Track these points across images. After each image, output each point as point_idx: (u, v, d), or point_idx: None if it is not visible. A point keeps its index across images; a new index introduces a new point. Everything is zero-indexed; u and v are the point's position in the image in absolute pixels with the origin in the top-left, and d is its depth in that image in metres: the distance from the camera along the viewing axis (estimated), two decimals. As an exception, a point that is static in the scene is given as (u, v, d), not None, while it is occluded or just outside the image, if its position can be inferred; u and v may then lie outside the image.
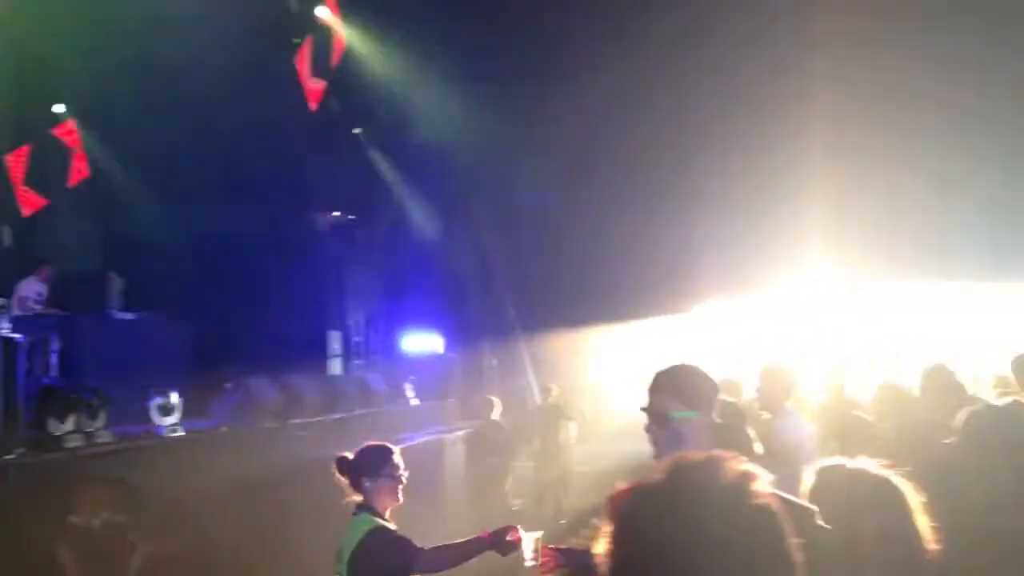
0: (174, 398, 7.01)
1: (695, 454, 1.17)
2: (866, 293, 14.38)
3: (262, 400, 8.11)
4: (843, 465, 2.04)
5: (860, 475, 1.96)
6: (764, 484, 1.14)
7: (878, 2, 12.29)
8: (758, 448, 3.73)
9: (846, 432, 5.30)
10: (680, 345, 13.37)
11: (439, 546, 3.68)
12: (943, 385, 5.43)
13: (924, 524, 1.88)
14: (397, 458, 3.91)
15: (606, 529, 1.18)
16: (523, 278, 15.47)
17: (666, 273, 14.58)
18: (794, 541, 1.12)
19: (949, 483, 2.73)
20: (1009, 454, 2.91)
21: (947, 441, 3.33)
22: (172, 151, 11.83)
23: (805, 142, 12.49)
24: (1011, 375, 5.80)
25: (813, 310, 14.47)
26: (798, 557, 1.12)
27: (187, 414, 7.28)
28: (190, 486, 5.86)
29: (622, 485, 1.20)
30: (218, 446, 7.16)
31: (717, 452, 1.18)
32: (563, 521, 10.01)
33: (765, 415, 5.22)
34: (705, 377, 2.74)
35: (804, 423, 5.27)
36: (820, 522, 1.79)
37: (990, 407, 3.41)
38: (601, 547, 1.18)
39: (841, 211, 12.83)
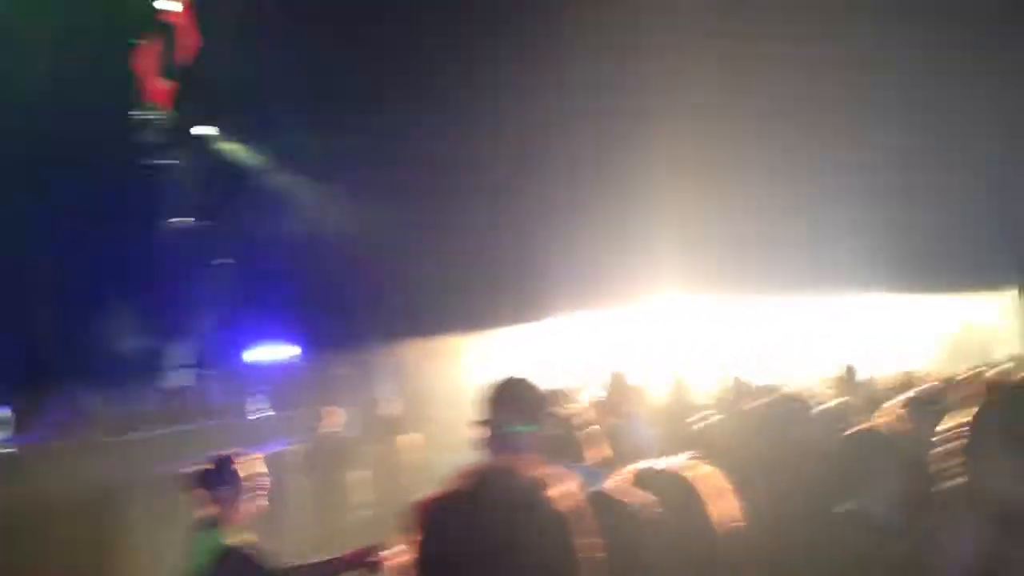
0: (5, 413, 6.64)
1: (493, 463, 1.27)
2: (709, 306, 15.28)
3: (98, 413, 7.76)
4: (651, 466, 2.17)
5: (659, 473, 2.09)
6: (558, 490, 1.25)
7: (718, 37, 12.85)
8: (607, 451, 3.84)
9: (681, 435, 5.69)
10: (531, 354, 13.72)
11: (298, 566, 3.58)
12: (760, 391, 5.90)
13: (722, 511, 2.02)
14: (255, 466, 3.82)
15: (411, 537, 1.24)
16: (379, 285, 15.34)
17: (519, 283, 14.83)
18: (582, 542, 1.23)
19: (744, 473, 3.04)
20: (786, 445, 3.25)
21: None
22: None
23: (651, 157, 13.07)
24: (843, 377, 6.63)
25: (660, 322, 15.24)
26: (584, 557, 1.23)
27: (20, 429, 6.92)
28: (21, 502, 5.58)
29: (425, 495, 1.27)
30: (50, 461, 6.82)
31: (514, 460, 1.28)
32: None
33: (612, 420, 5.44)
34: (535, 390, 2.87)
35: (648, 427, 5.58)
36: (650, 519, 1.88)
37: (771, 402, 3.77)
38: (408, 555, 1.24)
39: (686, 227, 13.47)
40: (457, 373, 13.61)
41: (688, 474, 2.05)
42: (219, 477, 3.74)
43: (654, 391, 7.55)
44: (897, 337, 14.49)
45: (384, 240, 14.81)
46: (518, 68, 12.96)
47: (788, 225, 13.80)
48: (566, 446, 3.35)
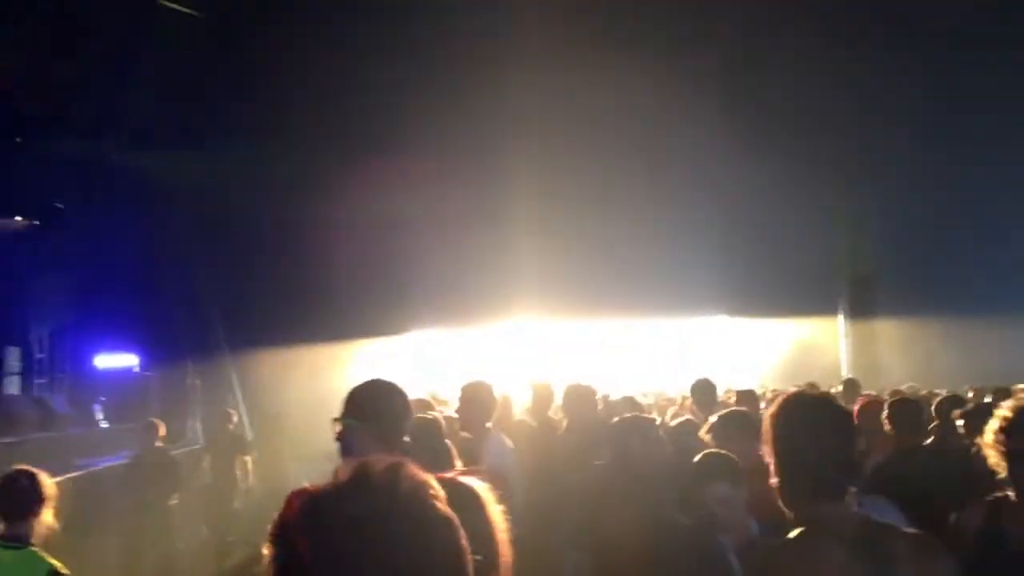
0: None
1: (375, 461, 1.27)
2: (569, 325, 15.80)
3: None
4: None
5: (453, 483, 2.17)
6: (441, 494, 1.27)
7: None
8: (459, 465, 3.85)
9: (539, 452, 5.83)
10: (396, 365, 13.72)
11: None
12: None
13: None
14: (49, 486, 3.61)
15: (281, 536, 1.19)
16: (232, 294, 14.89)
17: (383, 296, 14.78)
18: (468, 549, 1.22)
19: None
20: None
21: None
22: None
23: (511, 177, 13.41)
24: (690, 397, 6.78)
25: (523, 338, 15.62)
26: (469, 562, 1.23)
27: None
28: None
29: (299, 491, 1.21)
30: None
31: (398, 460, 1.25)
32: (231, 562, 9.47)
33: (464, 434, 5.44)
34: (392, 394, 2.87)
35: (505, 442, 5.61)
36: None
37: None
38: (274, 554, 1.19)
39: (547, 250, 13.87)
40: (315, 384, 13.43)
41: (469, 485, 2.03)
42: (12, 494, 3.54)
43: (514, 406, 7.56)
44: (736, 357, 15.53)
45: (245, 249, 14.43)
46: (375, 76, 13.00)
47: (640, 252, 14.48)
48: (435, 455, 3.41)
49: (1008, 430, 2.73)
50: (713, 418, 4.69)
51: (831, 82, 12.91)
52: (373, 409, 2.79)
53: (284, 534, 1.19)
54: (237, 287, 14.63)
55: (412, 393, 3.18)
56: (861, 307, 15.07)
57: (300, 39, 12.34)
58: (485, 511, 1.95)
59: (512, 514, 1.95)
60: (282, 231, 14.56)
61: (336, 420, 2.81)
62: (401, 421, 2.82)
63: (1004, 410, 2.78)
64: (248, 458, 10.62)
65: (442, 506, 1.21)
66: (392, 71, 12.78)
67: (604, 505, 3.48)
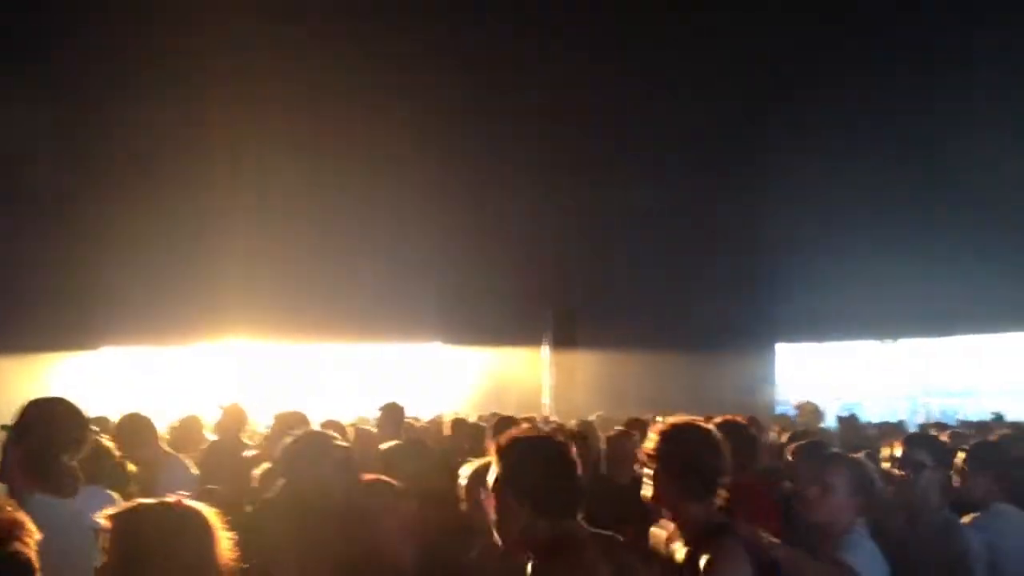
0: None
1: None
2: (279, 348, 15.43)
3: None
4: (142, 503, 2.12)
5: (155, 509, 2.08)
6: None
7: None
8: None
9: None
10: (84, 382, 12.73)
11: None
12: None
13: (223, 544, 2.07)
14: None
15: None
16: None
17: (70, 309, 13.53)
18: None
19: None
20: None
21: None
22: None
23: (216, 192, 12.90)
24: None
25: (225, 360, 14.98)
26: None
27: None
28: None
29: None
30: None
31: None
32: None
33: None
34: (55, 413, 2.84)
35: (185, 468, 5.40)
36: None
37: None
38: None
39: (251, 273, 13.46)
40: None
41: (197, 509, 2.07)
42: None
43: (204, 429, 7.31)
44: (445, 384, 15.99)
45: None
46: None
47: (352, 278, 14.55)
48: (109, 472, 3.40)
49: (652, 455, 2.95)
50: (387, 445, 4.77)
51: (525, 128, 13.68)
52: (25, 427, 2.73)
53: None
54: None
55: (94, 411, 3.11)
56: (563, 339, 16.02)
57: None
58: (209, 536, 1.95)
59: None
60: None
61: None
62: (56, 442, 2.74)
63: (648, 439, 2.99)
64: None
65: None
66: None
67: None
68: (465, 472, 3.44)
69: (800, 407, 13.62)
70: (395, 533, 3.03)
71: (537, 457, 2.55)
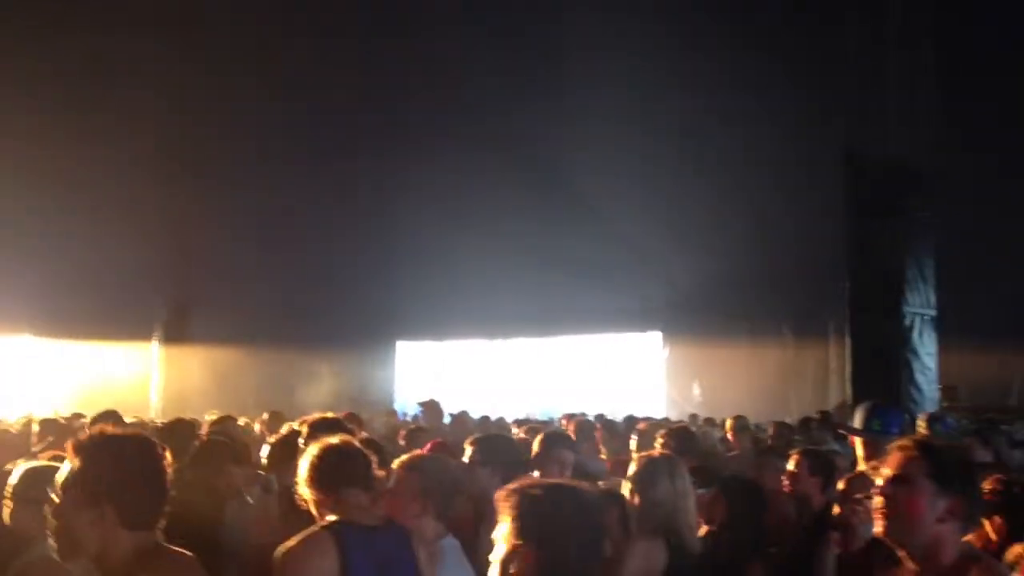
0: None
1: None
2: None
3: None
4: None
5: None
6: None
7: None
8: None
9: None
10: None
11: None
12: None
13: None
14: None
15: None
16: None
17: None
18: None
19: None
20: None
21: None
22: None
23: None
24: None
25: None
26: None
27: None
28: None
29: None
30: None
31: None
32: None
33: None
34: None
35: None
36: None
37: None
38: None
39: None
40: None
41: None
42: None
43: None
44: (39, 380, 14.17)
45: None
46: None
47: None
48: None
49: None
50: None
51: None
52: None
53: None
54: None
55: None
56: (176, 334, 14.98)
57: None
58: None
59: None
60: None
61: None
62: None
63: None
64: None
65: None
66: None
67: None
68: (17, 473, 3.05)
69: (425, 405, 13.91)
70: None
71: (125, 457, 2.22)
